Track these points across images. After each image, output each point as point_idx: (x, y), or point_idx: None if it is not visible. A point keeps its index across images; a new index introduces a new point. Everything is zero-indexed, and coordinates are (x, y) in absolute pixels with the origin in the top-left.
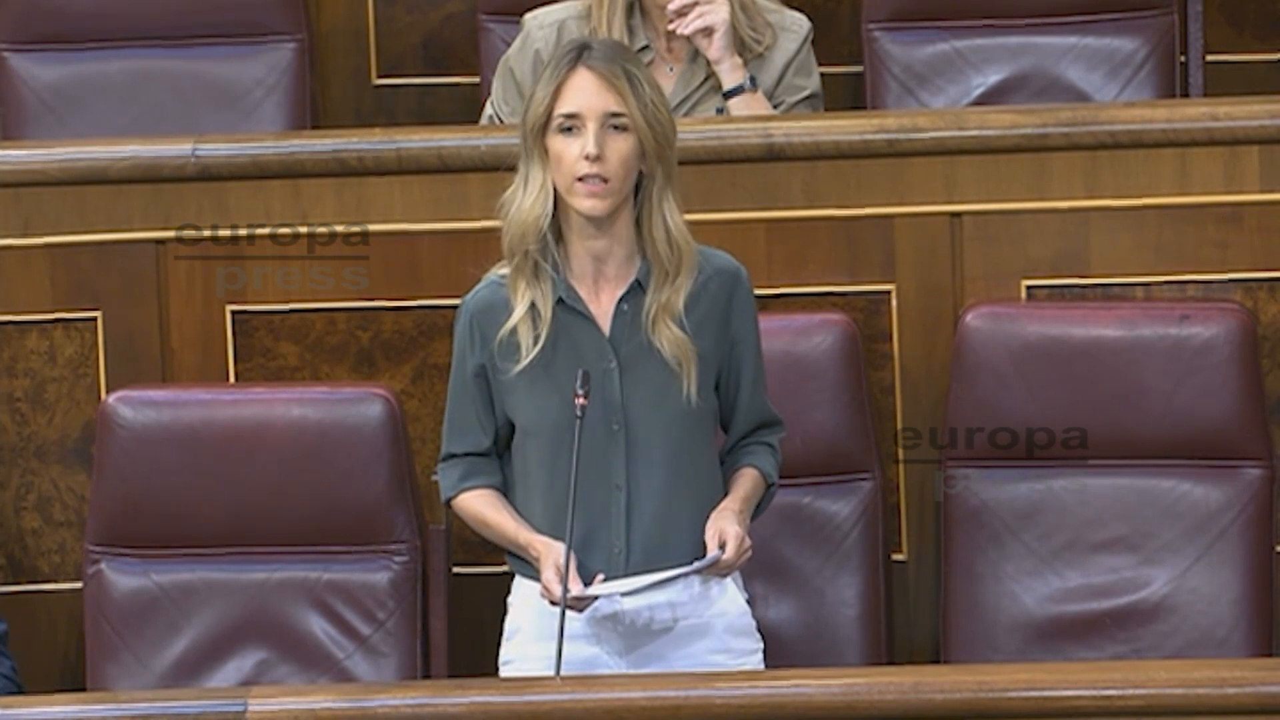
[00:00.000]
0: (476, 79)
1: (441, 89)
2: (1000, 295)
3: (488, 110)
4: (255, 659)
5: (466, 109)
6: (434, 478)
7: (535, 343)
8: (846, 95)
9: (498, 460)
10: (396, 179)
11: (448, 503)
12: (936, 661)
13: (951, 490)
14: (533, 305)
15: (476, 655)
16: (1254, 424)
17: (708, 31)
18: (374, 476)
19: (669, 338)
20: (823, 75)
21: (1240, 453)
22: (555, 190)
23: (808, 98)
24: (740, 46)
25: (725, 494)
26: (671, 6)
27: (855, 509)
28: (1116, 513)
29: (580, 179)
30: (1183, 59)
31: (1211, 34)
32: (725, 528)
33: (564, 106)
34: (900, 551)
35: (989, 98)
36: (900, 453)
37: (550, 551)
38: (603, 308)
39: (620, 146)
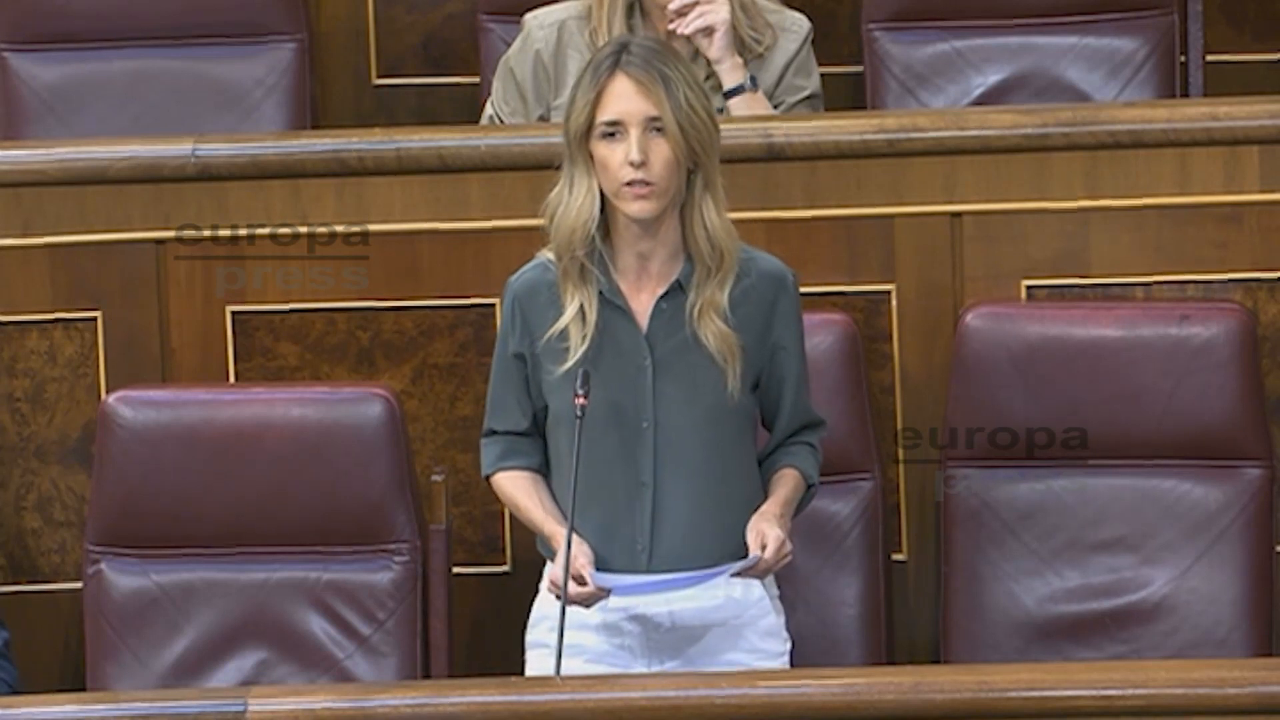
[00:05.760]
0: (476, 79)
1: (441, 89)
2: (1000, 295)
3: (488, 110)
4: (255, 659)
5: (466, 109)
6: (436, 477)
7: (582, 344)
8: (846, 95)
9: (538, 440)
10: (396, 179)
11: (487, 478)
12: (936, 661)
13: (951, 490)
14: (580, 307)
15: (476, 655)
16: (1254, 424)
17: (708, 31)
18: (374, 476)
19: (714, 332)
20: (823, 75)
21: (1240, 453)
22: (601, 193)
23: (808, 98)
24: (740, 46)
25: (765, 496)
26: (672, 6)
27: (855, 509)
28: (1116, 513)
29: (627, 184)
30: (1183, 59)
31: (1211, 34)
32: (766, 530)
33: (605, 114)
34: (900, 551)
35: (989, 98)
36: (900, 453)
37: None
38: (642, 305)
39: (663, 149)
